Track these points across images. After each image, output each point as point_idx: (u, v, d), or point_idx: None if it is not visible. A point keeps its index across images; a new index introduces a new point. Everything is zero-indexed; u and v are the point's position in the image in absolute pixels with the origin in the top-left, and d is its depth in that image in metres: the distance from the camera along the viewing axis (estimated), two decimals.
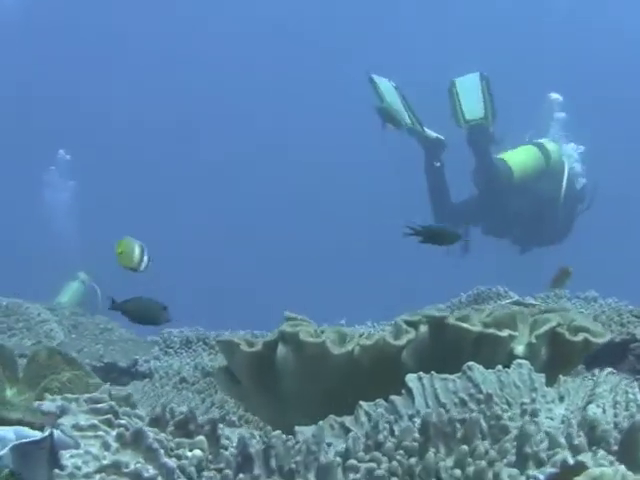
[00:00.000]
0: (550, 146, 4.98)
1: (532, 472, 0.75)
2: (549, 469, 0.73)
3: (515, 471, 0.82)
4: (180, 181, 13.35)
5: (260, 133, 13.59)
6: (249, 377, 1.36)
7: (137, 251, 2.37)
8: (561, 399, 1.17)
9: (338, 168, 12.69)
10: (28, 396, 1.50)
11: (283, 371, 1.31)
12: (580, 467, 0.70)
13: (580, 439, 0.93)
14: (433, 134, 4.73)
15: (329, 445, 1.06)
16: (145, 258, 2.38)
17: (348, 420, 1.13)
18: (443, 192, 4.80)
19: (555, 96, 5.63)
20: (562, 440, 0.92)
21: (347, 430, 1.11)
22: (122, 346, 3.14)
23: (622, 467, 0.70)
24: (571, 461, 0.71)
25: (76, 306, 4.77)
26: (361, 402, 1.13)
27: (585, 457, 0.75)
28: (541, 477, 0.72)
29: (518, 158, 4.82)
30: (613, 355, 2.23)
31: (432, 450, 0.96)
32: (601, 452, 0.83)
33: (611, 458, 0.86)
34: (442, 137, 4.78)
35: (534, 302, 2.89)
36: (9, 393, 1.50)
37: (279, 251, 12.29)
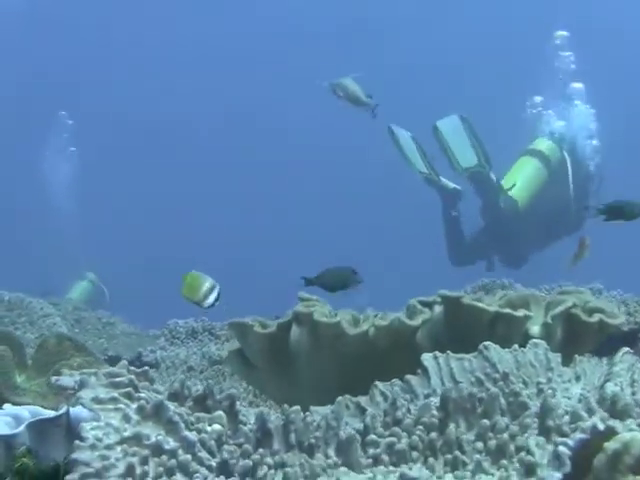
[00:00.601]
0: (546, 147, 4.91)
1: (561, 439, 0.74)
2: (579, 435, 0.72)
3: (542, 439, 0.81)
4: (185, 159, 13.29)
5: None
6: (263, 359, 1.35)
7: (205, 287, 2.32)
8: (577, 379, 1.17)
9: (345, 160, 12.69)
10: (38, 382, 1.49)
11: (297, 352, 1.30)
12: (610, 432, 0.70)
13: (603, 413, 0.93)
14: (450, 184, 4.75)
15: (346, 424, 1.06)
16: (212, 297, 2.32)
17: (363, 400, 1.12)
18: (459, 238, 4.84)
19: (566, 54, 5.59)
20: (584, 414, 0.92)
21: (362, 410, 1.10)
22: (125, 340, 3.14)
23: None
24: (601, 426, 0.71)
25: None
26: (376, 382, 1.12)
27: (615, 423, 0.74)
28: (571, 443, 0.71)
29: (520, 184, 4.77)
30: (620, 344, 2.22)
31: (452, 424, 0.95)
32: (630, 419, 0.83)
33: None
34: (459, 187, 4.79)
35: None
36: (19, 379, 1.49)
37: (284, 242, 12.29)
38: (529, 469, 0.72)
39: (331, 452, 0.93)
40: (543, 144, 4.91)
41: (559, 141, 4.94)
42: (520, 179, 4.76)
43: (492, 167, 4.63)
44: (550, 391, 0.97)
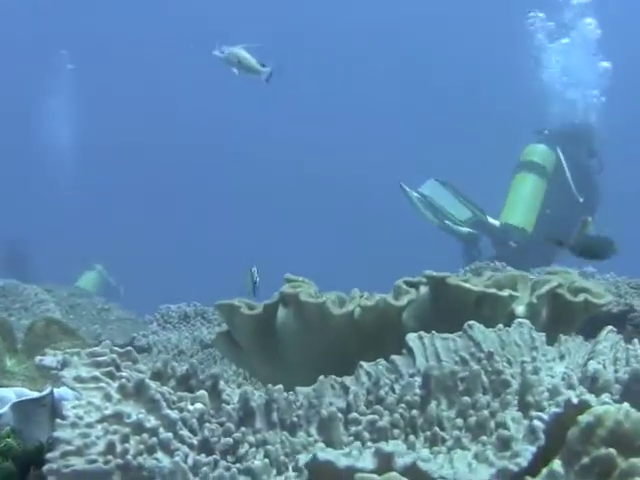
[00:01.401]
0: (539, 156, 4.87)
1: (536, 413, 0.75)
2: (553, 409, 0.72)
3: (519, 414, 0.82)
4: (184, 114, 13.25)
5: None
6: (250, 341, 1.36)
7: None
8: (562, 358, 1.17)
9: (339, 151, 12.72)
10: (27, 365, 1.50)
11: (284, 333, 1.31)
12: (584, 406, 0.70)
13: (581, 389, 0.93)
14: (464, 230, 4.76)
15: (330, 404, 1.06)
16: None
17: (349, 380, 1.12)
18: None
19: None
20: (564, 390, 0.92)
21: (347, 390, 1.10)
22: (120, 325, 3.14)
23: (626, 404, 0.69)
24: (575, 400, 0.71)
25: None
26: (362, 362, 1.13)
27: (589, 397, 0.75)
28: (545, 417, 0.72)
29: (522, 211, 4.76)
30: (612, 325, 2.23)
31: (434, 402, 0.95)
32: (605, 394, 0.83)
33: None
34: (474, 232, 4.80)
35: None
36: (8, 363, 1.50)
37: (277, 227, 12.32)
38: (504, 443, 0.73)
39: (313, 430, 0.94)
40: (535, 152, 4.84)
41: (550, 139, 4.92)
42: (520, 205, 4.74)
43: (486, 213, 4.67)
44: (530, 368, 0.97)
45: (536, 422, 0.71)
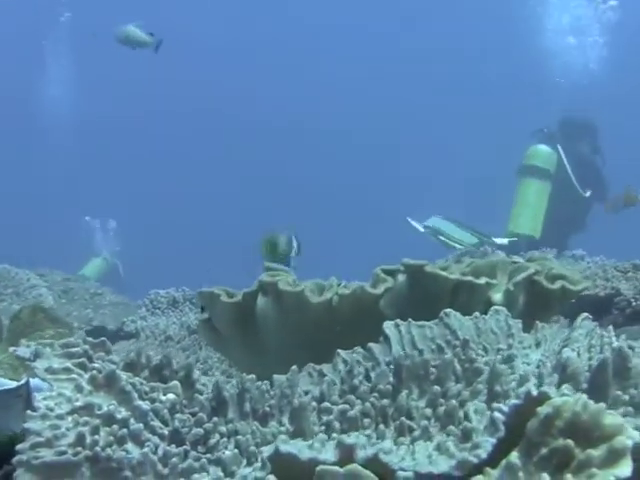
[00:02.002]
0: (540, 159, 4.86)
1: (497, 405, 0.76)
2: (513, 400, 0.73)
3: (482, 406, 0.83)
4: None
5: None
6: (230, 329, 1.37)
7: (283, 243, 2.31)
8: (538, 345, 1.18)
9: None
10: (10, 354, 1.51)
11: (263, 321, 1.32)
12: (544, 397, 0.71)
13: (551, 378, 0.94)
14: (497, 240, 4.77)
15: (307, 392, 1.07)
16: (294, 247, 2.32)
17: (326, 368, 1.13)
18: None
19: None
20: (532, 379, 0.93)
21: (327, 376, 1.11)
22: (112, 310, 3.14)
23: (584, 396, 0.70)
24: (534, 392, 0.72)
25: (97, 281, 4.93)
26: (339, 350, 1.14)
27: (549, 388, 0.76)
28: (505, 408, 0.72)
29: (528, 217, 4.76)
30: (598, 309, 2.24)
31: (405, 392, 0.96)
32: (566, 385, 0.84)
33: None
34: (504, 241, 4.82)
35: (520, 260, 2.91)
36: None
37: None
38: (466, 435, 0.74)
39: (285, 420, 0.95)
40: (537, 155, 4.84)
41: (549, 137, 4.92)
42: (526, 213, 4.75)
43: (491, 236, 4.68)
44: (505, 355, 0.98)
45: (496, 414, 0.72)
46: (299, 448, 0.72)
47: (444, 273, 1.27)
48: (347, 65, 13.46)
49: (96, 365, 0.90)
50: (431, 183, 11.47)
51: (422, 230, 4.66)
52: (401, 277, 1.29)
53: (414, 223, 4.71)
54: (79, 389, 0.86)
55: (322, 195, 12.57)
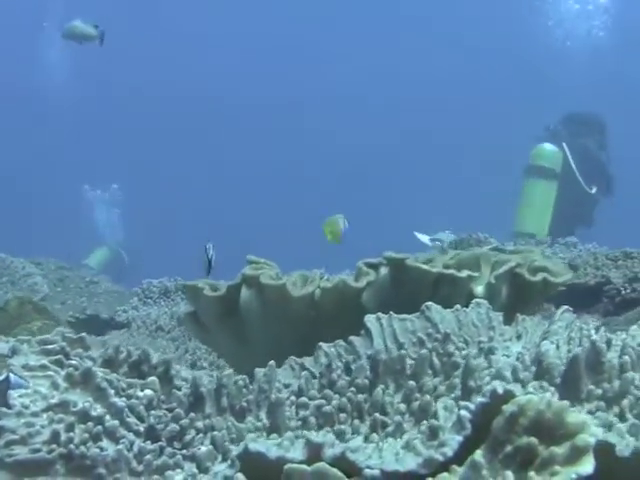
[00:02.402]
0: (546, 159, 4.87)
1: (464, 403, 0.77)
2: (479, 399, 0.74)
3: (452, 403, 0.83)
4: None
5: None
6: (214, 322, 1.37)
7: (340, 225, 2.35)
8: (519, 337, 1.19)
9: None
10: None
11: (247, 314, 1.32)
12: (509, 396, 0.72)
13: (525, 373, 0.95)
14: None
15: (288, 386, 1.08)
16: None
17: (308, 361, 1.14)
18: None
19: None
20: (507, 374, 0.94)
21: (308, 370, 1.12)
22: (106, 298, 3.15)
23: (548, 394, 0.71)
24: (500, 390, 0.73)
25: (101, 270, 4.95)
26: (321, 343, 1.14)
27: (514, 387, 0.77)
28: (472, 407, 0.73)
29: (535, 218, 4.76)
30: (588, 297, 2.25)
31: (381, 386, 0.97)
32: (532, 383, 0.85)
33: (551, 389, 0.88)
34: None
35: (522, 246, 2.92)
36: None
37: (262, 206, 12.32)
38: (433, 432, 0.75)
39: (262, 415, 0.96)
40: (543, 155, 4.84)
41: (555, 135, 4.92)
42: (531, 213, 4.75)
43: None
44: (475, 352, 0.99)
45: (463, 412, 0.73)
46: (268, 447, 0.72)
47: (425, 266, 1.27)
48: (354, 64, 13.44)
49: (73, 362, 0.91)
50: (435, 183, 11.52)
51: (430, 244, 4.67)
52: (383, 270, 1.30)
53: (420, 236, 4.71)
54: (55, 386, 0.87)
55: (327, 187, 12.55)
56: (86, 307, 2.93)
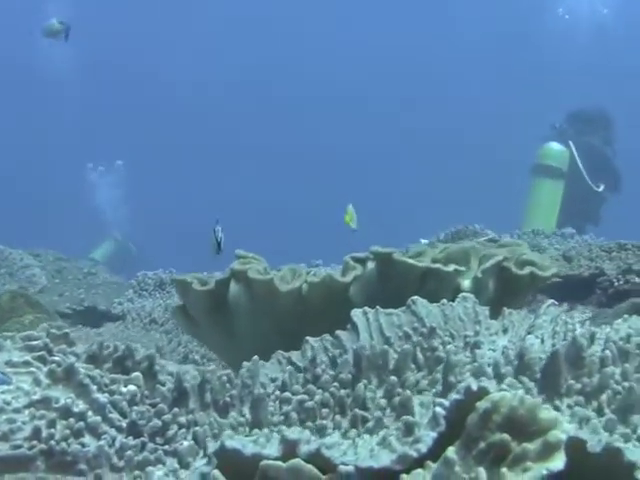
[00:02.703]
0: (554, 159, 4.87)
1: (439, 400, 0.77)
2: (454, 395, 0.75)
3: (428, 399, 0.84)
4: None
5: None
6: (203, 316, 1.38)
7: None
8: (505, 331, 1.19)
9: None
10: None
11: (236, 309, 1.33)
12: (483, 392, 0.72)
13: (507, 368, 0.96)
14: None
15: (275, 380, 1.09)
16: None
17: (295, 355, 1.15)
18: None
19: None
20: (488, 369, 0.95)
21: (295, 364, 1.13)
22: (105, 290, 3.16)
23: (521, 391, 0.72)
24: (474, 387, 0.73)
25: (106, 262, 4.97)
26: (308, 337, 1.15)
27: (489, 383, 0.77)
28: (446, 403, 0.74)
29: (539, 218, 4.76)
30: (582, 289, 2.26)
31: (363, 382, 0.98)
32: (508, 379, 0.85)
33: (531, 384, 0.89)
34: None
35: (509, 240, 2.93)
36: None
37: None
38: (408, 428, 0.75)
39: (246, 410, 0.96)
40: (550, 155, 4.85)
41: (562, 133, 4.93)
42: (539, 213, 4.75)
43: None
44: (454, 348, 0.99)
45: (437, 409, 0.73)
46: (244, 443, 0.73)
47: (412, 261, 1.28)
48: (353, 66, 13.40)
49: (56, 358, 0.91)
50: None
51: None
52: (370, 265, 1.30)
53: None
54: (37, 383, 0.87)
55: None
56: (83, 299, 2.94)
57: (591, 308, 2.17)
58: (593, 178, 4.89)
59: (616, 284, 2.15)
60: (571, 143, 4.86)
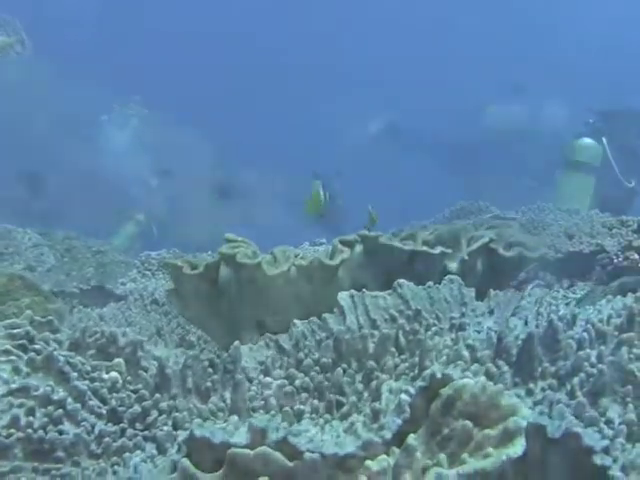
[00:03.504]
0: (587, 155, 4.88)
1: (405, 387, 0.78)
2: (419, 383, 0.76)
3: (397, 385, 0.85)
4: None
5: None
6: (194, 299, 1.39)
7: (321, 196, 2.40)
8: (491, 312, 1.20)
9: None
10: None
11: (225, 292, 1.34)
12: (447, 380, 0.73)
13: (485, 352, 0.97)
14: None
15: (262, 363, 1.10)
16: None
17: (282, 338, 1.16)
18: None
19: None
20: (465, 353, 0.96)
21: (281, 347, 1.14)
22: (113, 268, 3.17)
23: (483, 378, 0.73)
24: (439, 375, 0.74)
25: (128, 245, 4.98)
26: (295, 320, 1.16)
27: (453, 371, 0.78)
28: (412, 390, 0.75)
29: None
30: (582, 266, 2.25)
31: (343, 366, 0.99)
32: (475, 365, 0.86)
33: (504, 368, 0.90)
34: None
35: (515, 216, 2.93)
36: None
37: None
38: (375, 415, 0.76)
39: (227, 394, 0.98)
40: (582, 151, 4.86)
41: (595, 129, 4.93)
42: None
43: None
44: (430, 333, 1.00)
45: (403, 396, 0.74)
46: (212, 431, 0.74)
47: (399, 244, 1.29)
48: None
49: (36, 346, 0.93)
50: None
51: None
52: (358, 248, 1.31)
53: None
54: (17, 371, 0.89)
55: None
56: (90, 278, 2.96)
57: (590, 285, 2.17)
58: (625, 174, 4.92)
59: (616, 261, 2.15)
60: (604, 139, 4.88)
